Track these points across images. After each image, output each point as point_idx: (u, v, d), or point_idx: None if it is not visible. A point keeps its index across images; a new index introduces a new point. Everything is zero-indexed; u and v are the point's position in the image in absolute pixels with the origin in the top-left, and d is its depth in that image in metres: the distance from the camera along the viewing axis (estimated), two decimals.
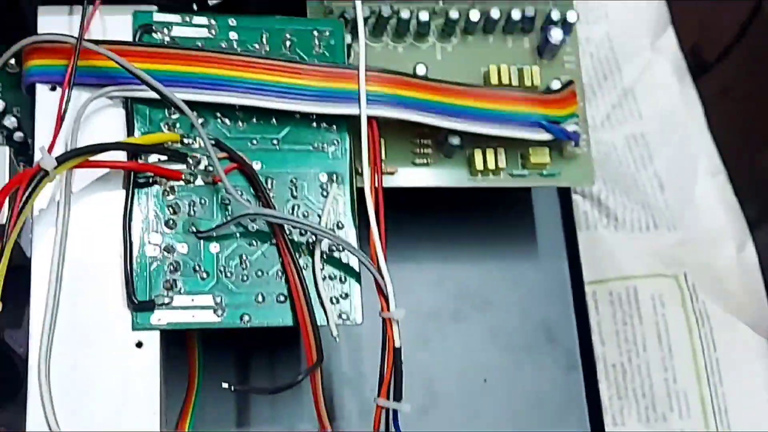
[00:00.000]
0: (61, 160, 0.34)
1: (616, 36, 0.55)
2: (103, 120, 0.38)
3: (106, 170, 0.37)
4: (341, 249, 0.37)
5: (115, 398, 0.35)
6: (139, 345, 0.35)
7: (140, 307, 0.35)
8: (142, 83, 0.37)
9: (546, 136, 0.40)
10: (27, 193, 0.33)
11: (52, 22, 0.39)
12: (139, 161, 0.37)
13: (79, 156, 0.35)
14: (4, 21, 0.44)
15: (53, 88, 0.38)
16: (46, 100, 0.38)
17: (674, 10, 0.57)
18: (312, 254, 0.37)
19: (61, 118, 0.36)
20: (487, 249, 0.46)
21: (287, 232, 0.37)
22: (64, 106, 0.36)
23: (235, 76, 0.38)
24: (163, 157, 0.37)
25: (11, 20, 0.44)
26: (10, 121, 0.42)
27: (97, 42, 0.37)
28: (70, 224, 0.36)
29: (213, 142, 0.37)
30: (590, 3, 0.56)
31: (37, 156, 0.36)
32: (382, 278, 0.36)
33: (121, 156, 0.37)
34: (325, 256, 0.37)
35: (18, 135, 0.42)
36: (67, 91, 0.36)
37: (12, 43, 0.41)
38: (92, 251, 0.36)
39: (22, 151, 0.43)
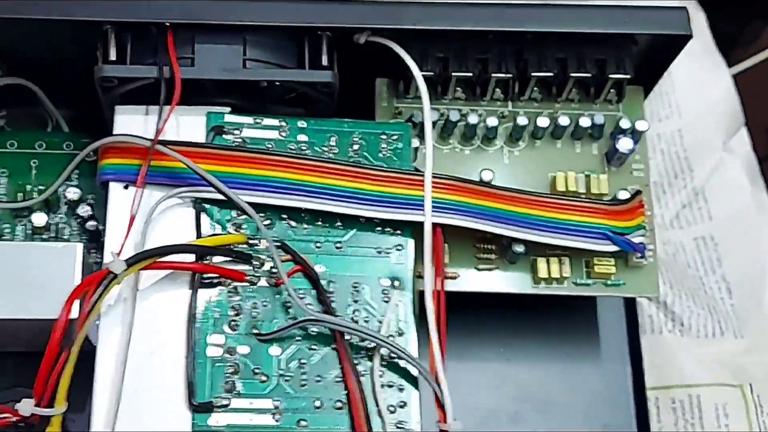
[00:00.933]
0: (130, 263, 0.35)
1: (688, 133, 0.55)
2: (172, 219, 0.38)
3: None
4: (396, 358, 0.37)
5: None
6: None
7: (199, 408, 0.36)
8: (212, 186, 0.37)
9: (612, 248, 0.40)
10: (96, 296, 0.34)
11: (129, 122, 0.40)
12: (205, 262, 0.37)
13: (148, 258, 0.36)
14: (84, 112, 0.45)
15: (126, 187, 0.39)
16: (118, 198, 0.39)
17: (748, 109, 0.56)
18: (371, 360, 0.37)
19: (132, 220, 0.36)
20: (548, 350, 0.46)
21: (347, 337, 0.37)
22: (135, 208, 0.36)
23: (301, 179, 0.38)
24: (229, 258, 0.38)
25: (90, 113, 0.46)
26: (84, 210, 0.43)
27: (169, 143, 0.38)
28: (136, 321, 0.37)
29: (278, 244, 0.38)
30: (662, 99, 0.56)
31: (107, 259, 0.36)
32: (441, 391, 0.36)
33: (188, 256, 0.37)
34: (384, 363, 0.37)
35: (90, 224, 0.43)
36: (139, 192, 0.37)
37: (88, 130, 0.43)
38: (156, 348, 0.37)
39: (94, 239, 0.44)
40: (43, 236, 0.44)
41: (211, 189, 0.38)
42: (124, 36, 0.39)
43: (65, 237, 0.44)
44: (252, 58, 0.39)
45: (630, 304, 0.46)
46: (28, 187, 0.44)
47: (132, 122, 0.40)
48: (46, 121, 0.47)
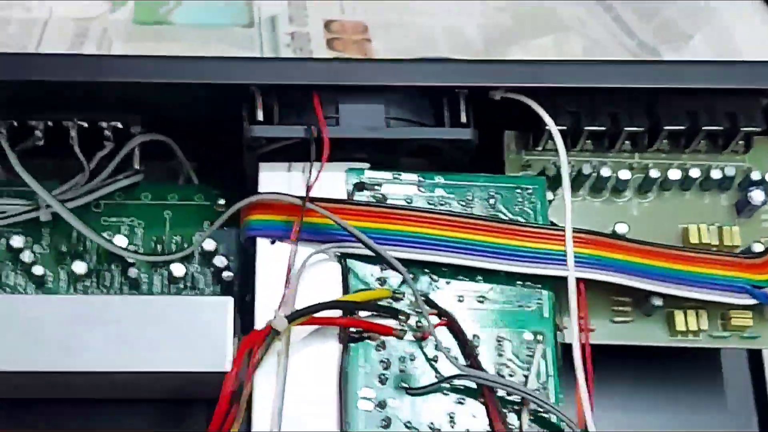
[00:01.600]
0: (290, 319, 0.36)
1: None
2: (317, 274, 0.39)
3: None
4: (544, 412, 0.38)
5: None
6: None
7: None
8: (359, 242, 0.38)
9: (751, 301, 0.40)
10: (262, 352, 0.35)
11: (273, 178, 0.41)
12: (354, 317, 0.38)
13: (306, 315, 0.37)
14: (210, 164, 0.47)
15: (273, 242, 0.40)
16: (266, 253, 0.40)
17: None
18: (519, 414, 0.38)
19: (289, 275, 0.37)
20: (672, 400, 0.46)
21: (495, 391, 0.38)
22: (293, 263, 0.38)
23: (442, 235, 0.39)
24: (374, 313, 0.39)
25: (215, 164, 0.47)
26: (219, 261, 0.45)
27: (316, 200, 0.39)
28: (289, 374, 0.38)
29: (423, 298, 0.39)
30: None
31: (261, 317, 0.38)
32: None
33: (336, 311, 0.38)
34: (531, 418, 0.38)
35: (226, 275, 0.45)
36: (293, 248, 0.38)
37: (217, 182, 0.44)
38: (309, 401, 0.37)
39: (228, 289, 0.45)
40: (179, 285, 0.45)
41: (358, 244, 0.39)
42: (268, 97, 0.40)
43: (200, 287, 0.45)
44: (394, 117, 0.40)
45: (755, 355, 0.47)
46: (164, 238, 0.45)
47: (276, 179, 0.41)
48: (176, 173, 0.48)
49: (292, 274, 0.39)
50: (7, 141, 0.43)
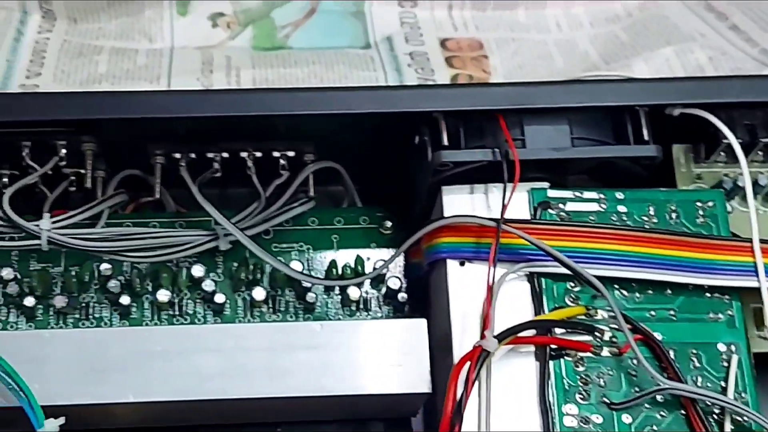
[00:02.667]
0: (499, 339, 0.37)
1: None
2: (509, 294, 0.40)
3: None
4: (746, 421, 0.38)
5: None
6: None
7: None
8: (554, 261, 0.39)
9: None
10: (476, 373, 0.36)
11: (456, 201, 0.42)
12: (552, 335, 0.39)
13: (512, 335, 0.37)
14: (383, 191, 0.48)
15: (462, 263, 0.41)
16: (456, 275, 0.41)
17: None
18: (720, 425, 0.38)
19: (490, 296, 0.38)
20: None
21: (696, 403, 0.38)
22: (492, 284, 0.38)
23: (630, 250, 0.40)
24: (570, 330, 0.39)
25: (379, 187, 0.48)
26: (394, 282, 0.45)
27: (507, 221, 0.39)
28: (492, 392, 0.38)
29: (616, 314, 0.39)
30: None
31: (458, 337, 0.39)
32: None
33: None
34: (734, 427, 0.38)
35: (402, 296, 0.46)
36: (491, 270, 0.39)
37: (381, 205, 0.45)
38: (512, 420, 0.38)
39: (400, 309, 0.46)
40: (352, 308, 0.46)
41: (549, 263, 0.39)
42: (451, 122, 0.41)
43: (371, 308, 0.46)
44: (578, 137, 0.40)
45: None
46: (336, 261, 0.46)
47: (459, 201, 0.42)
48: (338, 197, 0.49)
49: (479, 293, 0.40)
50: (188, 173, 0.44)
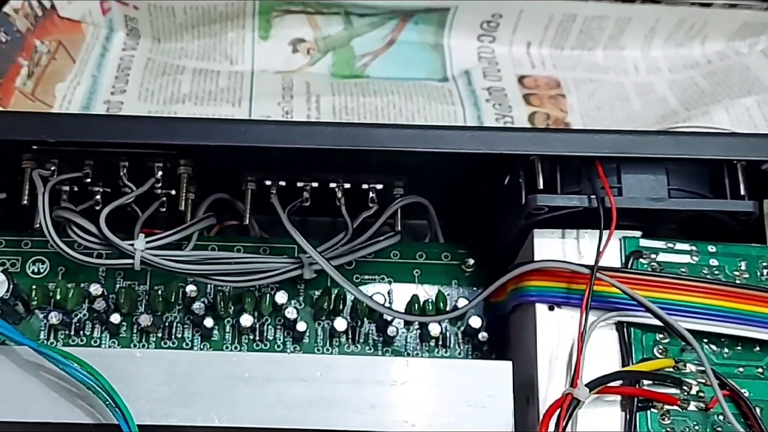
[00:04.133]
0: (591, 388, 0.37)
1: None
2: (597, 342, 0.40)
3: None
4: None
5: None
6: None
7: None
8: (646, 311, 0.39)
9: None
10: (566, 421, 0.36)
11: (546, 245, 0.42)
12: (640, 387, 0.39)
13: (603, 384, 0.37)
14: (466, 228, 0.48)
15: (551, 308, 0.41)
16: (544, 319, 0.41)
17: None
18: None
19: (581, 344, 0.38)
20: None
21: None
22: (583, 332, 0.38)
23: (721, 305, 0.40)
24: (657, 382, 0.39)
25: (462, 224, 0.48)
26: (476, 321, 0.46)
27: (601, 269, 0.39)
28: None
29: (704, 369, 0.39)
30: None
31: (544, 382, 0.40)
32: None
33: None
34: None
35: (483, 335, 0.46)
36: (578, 316, 0.39)
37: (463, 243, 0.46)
38: None
39: (478, 348, 0.46)
40: (431, 343, 0.46)
41: (639, 313, 0.39)
42: (547, 166, 0.41)
43: (450, 345, 0.46)
44: (675, 188, 0.40)
45: None
46: (417, 296, 0.46)
47: (550, 245, 0.42)
48: (423, 232, 0.49)
49: (566, 340, 0.40)
50: (278, 200, 0.45)
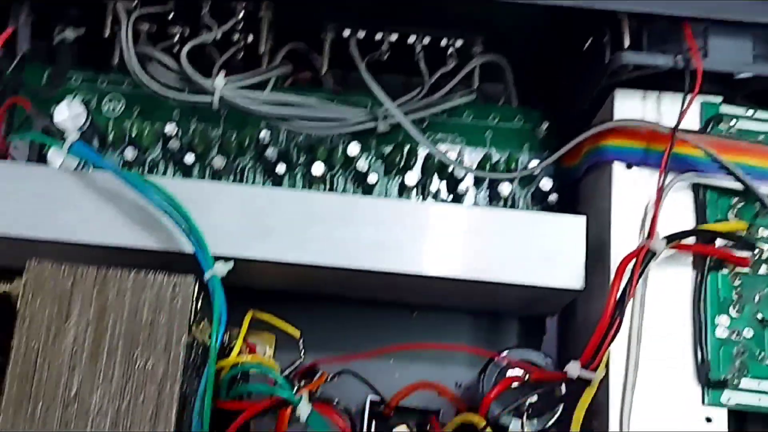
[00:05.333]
0: (669, 240, 0.37)
1: None
2: (673, 201, 0.40)
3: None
4: None
5: None
6: (708, 420, 0.38)
7: (711, 384, 0.38)
8: (725, 174, 0.39)
9: None
10: (640, 272, 0.36)
11: (626, 105, 0.42)
12: (713, 246, 0.39)
13: (679, 239, 0.37)
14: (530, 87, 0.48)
15: (629, 167, 0.41)
16: (621, 177, 0.41)
17: None
18: None
19: (659, 199, 0.38)
20: None
21: None
22: (662, 188, 0.38)
23: None
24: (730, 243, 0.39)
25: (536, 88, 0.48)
26: (546, 183, 0.46)
27: (682, 131, 0.39)
28: (647, 295, 0.39)
29: None
30: None
31: (617, 236, 0.40)
32: None
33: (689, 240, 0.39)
34: None
35: (553, 197, 0.46)
36: (653, 174, 0.39)
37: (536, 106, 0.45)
38: (666, 323, 0.39)
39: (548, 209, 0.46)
40: (499, 204, 0.46)
41: (717, 175, 0.39)
42: (634, 24, 0.41)
43: (519, 207, 0.47)
44: (760, 54, 0.40)
45: None
46: (489, 157, 0.47)
47: (630, 105, 0.42)
48: (496, 96, 0.49)
49: (643, 199, 0.40)
50: (357, 51, 0.45)
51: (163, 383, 0.35)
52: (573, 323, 0.44)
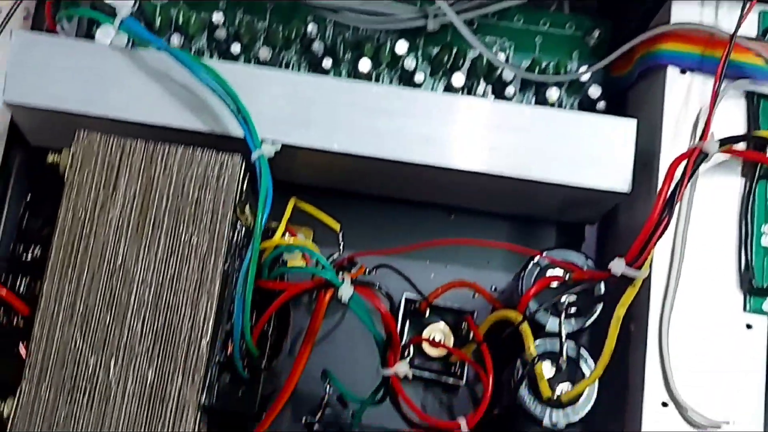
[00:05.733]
0: (721, 144, 0.37)
1: None
2: (723, 109, 0.40)
3: (727, 157, 0.39)
4: None
5: (722, 376, 0.37)
6: (748, 327, 0.37)
7: (754, 291, 0.37)
8: None
9: None
10: (692, 171, 0.36)
11: (685, 10, 0.41)
12: (763, 154, 0.39)
13: (733, 143, 0.37)
14: None
15: (683, 72, 0.40)
16: (675, 82, 0.40)
17: None
18: None
19: (714, 103, 0.38)
20: None
21: None
22: (717, 92, 0.38)
23: None
24: None
25: None
26: (595, 91, 0.45)
27: (741, 38, 0.39)
28: (693, 204, 0.38)
29: None
30: None
31: (667, 142, 0.39)
32: None
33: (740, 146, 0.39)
34: None
35: (601, 104, 0.45)
36: (718, 80, 0.38)
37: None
38: (710, 228, 0.38)
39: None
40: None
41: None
42: None
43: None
44: None
45: None
46: (538, 62, 0.46)
47: (687, 10, 0.41)
48: (548, 2, 0.48)
49: (695, 105, 0.39)
50: None
51: (206, 259, 0.35)
52: (614, 230, 0.44)
